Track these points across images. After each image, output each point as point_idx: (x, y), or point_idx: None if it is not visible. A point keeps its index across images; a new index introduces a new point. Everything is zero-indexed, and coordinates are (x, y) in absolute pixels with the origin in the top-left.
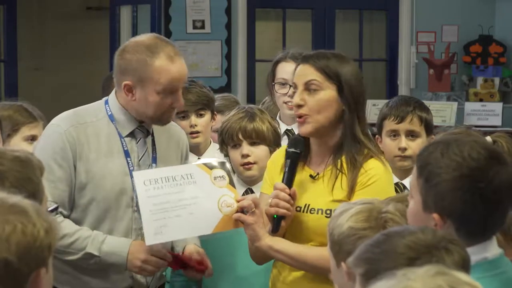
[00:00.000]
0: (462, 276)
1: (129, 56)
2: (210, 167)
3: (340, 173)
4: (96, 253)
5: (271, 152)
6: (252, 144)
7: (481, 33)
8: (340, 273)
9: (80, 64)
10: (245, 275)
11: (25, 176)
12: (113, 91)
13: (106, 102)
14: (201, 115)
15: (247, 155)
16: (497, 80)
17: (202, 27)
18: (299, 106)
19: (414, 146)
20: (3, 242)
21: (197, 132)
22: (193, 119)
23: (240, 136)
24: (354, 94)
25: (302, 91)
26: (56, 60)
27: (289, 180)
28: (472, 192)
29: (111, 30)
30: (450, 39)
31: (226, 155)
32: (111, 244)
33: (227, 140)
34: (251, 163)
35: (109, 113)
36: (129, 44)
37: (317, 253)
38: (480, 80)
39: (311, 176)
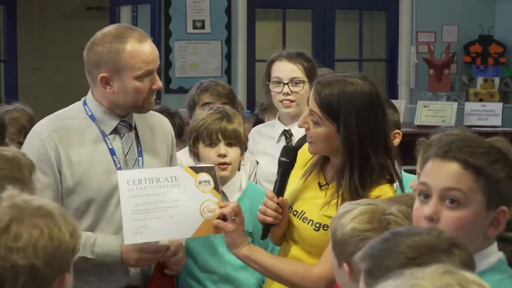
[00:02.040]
0: (470, 275)
1: (100, 49)
2: (196, 171)
3: (341, 192)
4: (89, 256)
5: (241, 154)
6: (228, 145)
7: (481, 33)
8: (342, 273)
9: (80, 64)
10: (238, 274)
11: (10, 175)
12: (89, 91)
13: (85, 103)
14: None
15: (225, 155)
16: (497, 80)
17: (202, 27)
18: (305, 128)
19: None
20: (30, 247)
21: None
22: None
23: (220, 136)
24: (354, 136)
25: (307, 115)
26: (56, 60)
27: (279, 189)
28: None
29: None
30: (450, 39)
31: (196, 152)
32: (102, 245)
33: (203, 138)
34: (227, 164)
35: (89, 113)
36: (96, 38)
37: (292, 268)
38: (480, 80)
39: (319, 184)
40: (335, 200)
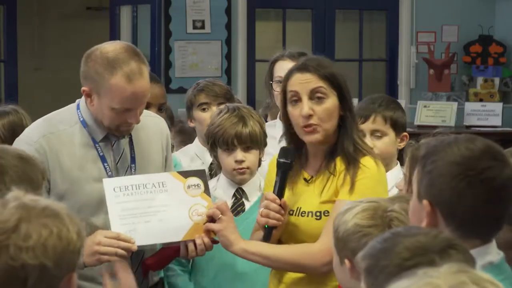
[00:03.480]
0: (483, 274)
1: (91, 65)
2: (185, 175)
3: (332, 176)
4: None
5: (260, 152)
6: (245, 149)
7: (481, 33)
8: (343, 270)
9: (80, 64)
10: (245, 272)
11: (25, 174)
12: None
13: (78, 107)
14: None
15: (242, 161)
16: (497, 80)
17: (202, 27)
18: (309, 116)
19: (380, 145)
20: (40, 246)
21: None
22: (215, 110)
23: (236, 143)
24: (350, 98)
25: (308, 100)
26: (56, 60)
27: (280, 190)
28: (460, 178)
29: (111, 30)
30: (450, 39)
31: (215, 156)
32: None
33: (220, 144)
34: (244, 168)
35: (81, 119)
36: (95, 52)
37: (292, 250)
38: (480, 80)
39: (305, 179)
40: (329, 185)
